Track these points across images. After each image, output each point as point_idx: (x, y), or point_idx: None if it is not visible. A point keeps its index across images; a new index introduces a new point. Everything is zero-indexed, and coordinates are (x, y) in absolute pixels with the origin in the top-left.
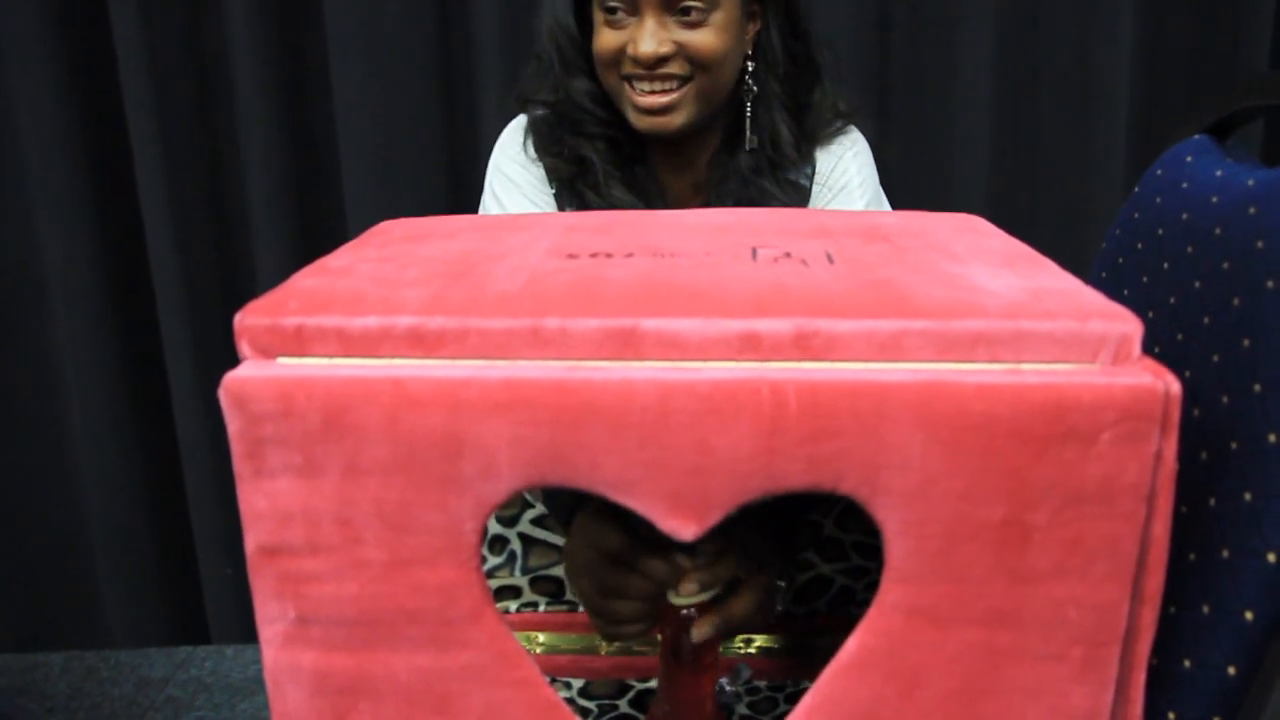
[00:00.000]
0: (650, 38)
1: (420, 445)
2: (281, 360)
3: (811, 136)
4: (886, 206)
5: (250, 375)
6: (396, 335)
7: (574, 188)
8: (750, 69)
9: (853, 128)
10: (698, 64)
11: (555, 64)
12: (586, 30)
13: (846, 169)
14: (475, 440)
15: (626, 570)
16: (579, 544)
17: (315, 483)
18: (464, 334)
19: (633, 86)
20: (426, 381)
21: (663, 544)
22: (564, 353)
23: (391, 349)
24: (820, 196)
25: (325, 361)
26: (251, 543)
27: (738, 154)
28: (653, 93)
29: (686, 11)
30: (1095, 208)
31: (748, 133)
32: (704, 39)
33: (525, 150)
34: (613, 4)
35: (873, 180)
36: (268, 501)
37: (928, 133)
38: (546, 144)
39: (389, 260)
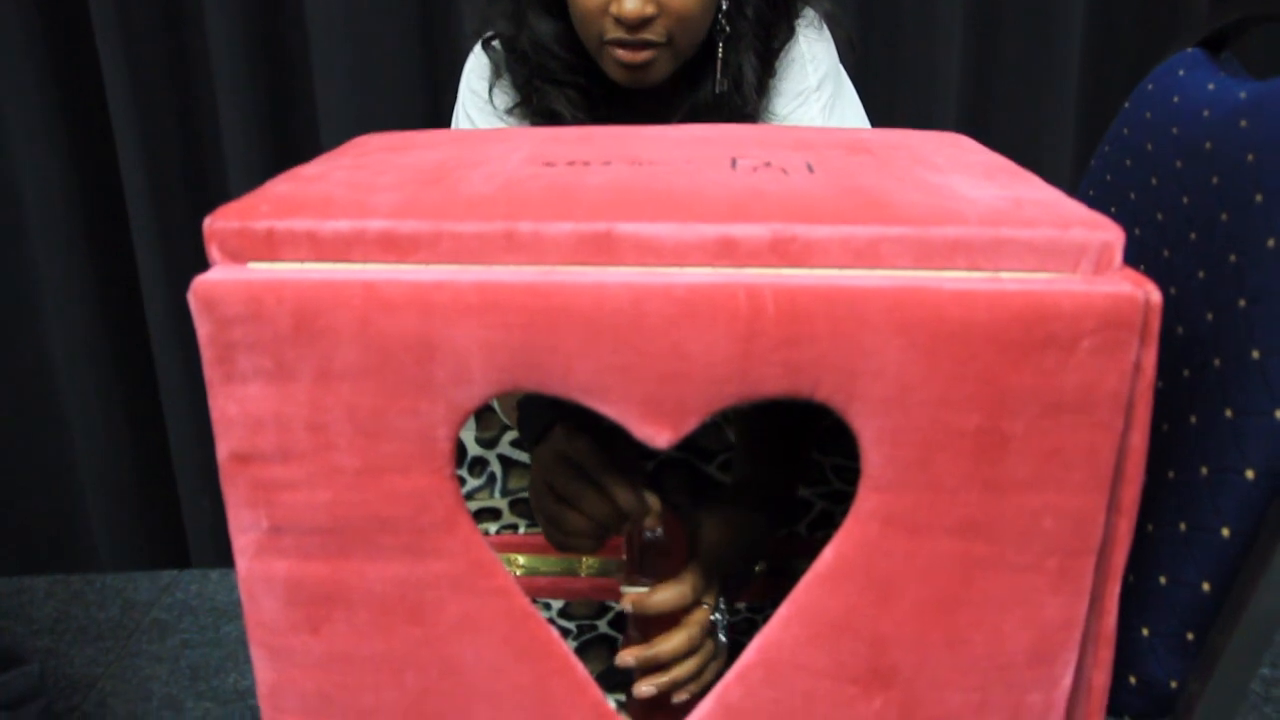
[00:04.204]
0: None
1: (392, 349)
2: (252, 265)
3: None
4: (847, 84)
5: (220, 279)
6: (368, 239)
7: None
8: (724, 8)
9: (808, 9)
10: (678, 24)
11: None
12: None
13: (795, 43)
14: (448, 344)
15: (589, 485)
16: (549, 448)
17: (286, 388)
18: (436, 238)
19: (614, 43)
20: (398, 285)
21: (631, 473)
22: (537, 257)
23: (363, 253)
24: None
25: (296, 266)
26: (223, 450)
27: (700, 90)
28: (633, 49)
29: None
30: (1047, 121)
31: (718, 74)
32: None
33: (492, 101)
34: None
35: (828, 58)
36: (238, 407)
37: (900, 62)
38: (515, 91)
39: (364, 168)
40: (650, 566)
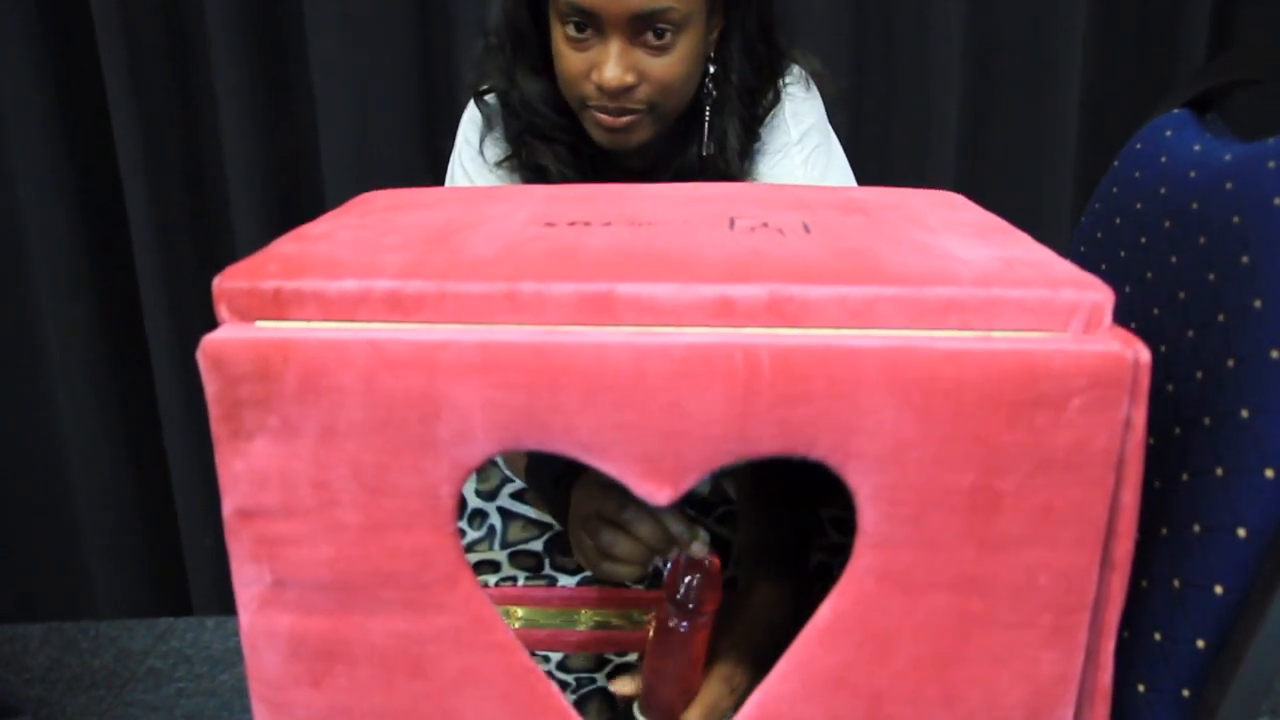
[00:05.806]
0: (616, 63)
1: (397, 408)
2: (260, 324)
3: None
4: (834, 143)
5: (228, 337)
6: (374, 299)
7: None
8: (711, 72)
9: (795, 67)
10: (660, 92)
11: (509, 57)
12: (541, 26)
13: (780, 107)
14: (451, 403)
15: (641, 511)
16: (591, 480)
17: (292, 445)
18: (441, 298)
19: (596, 109)
20: (403, 344)
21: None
22: (539, 317)
23: (369, 313)
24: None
25: (303, 325)
26: (229, 505)
27: (687, 153)
28: (613, 114)
29: (660, 33)
30: (1044, 174)
31: (704, 138)
32: (668, 67)
33: (483, 153)
34: (575, 18)
35: (811, 114)
36: (244, 464)
37: (899, 111)
38: (506, 143)
39: (369, 228)
40: (692, 595)
